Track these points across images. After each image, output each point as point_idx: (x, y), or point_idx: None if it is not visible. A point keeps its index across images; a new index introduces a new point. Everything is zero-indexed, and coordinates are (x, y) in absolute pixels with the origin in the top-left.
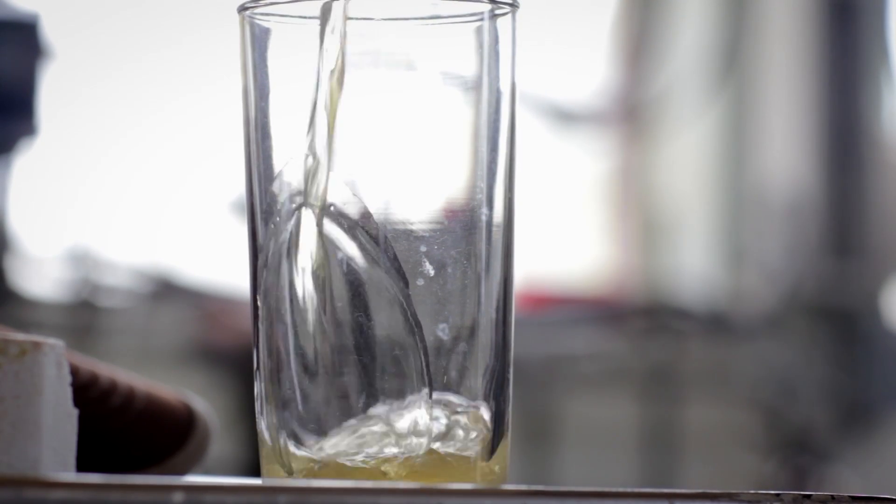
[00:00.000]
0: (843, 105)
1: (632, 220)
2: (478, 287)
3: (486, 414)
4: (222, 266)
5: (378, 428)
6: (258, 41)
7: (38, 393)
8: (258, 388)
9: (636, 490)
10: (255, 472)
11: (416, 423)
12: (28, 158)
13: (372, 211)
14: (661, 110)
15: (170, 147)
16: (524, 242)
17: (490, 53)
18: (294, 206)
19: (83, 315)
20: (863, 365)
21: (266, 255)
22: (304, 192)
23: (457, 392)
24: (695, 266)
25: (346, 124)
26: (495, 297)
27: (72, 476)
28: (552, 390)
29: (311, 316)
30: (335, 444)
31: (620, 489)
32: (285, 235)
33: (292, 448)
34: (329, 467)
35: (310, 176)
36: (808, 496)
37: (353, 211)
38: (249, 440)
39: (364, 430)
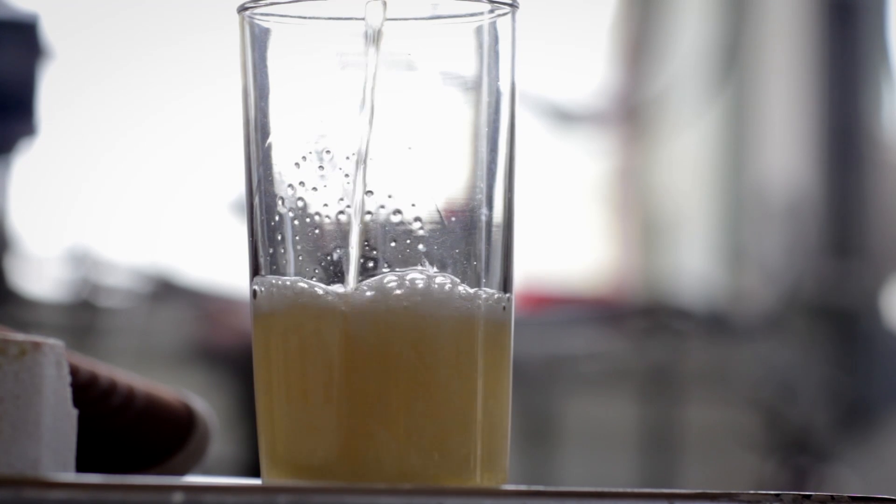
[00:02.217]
0: (843, 105)
1: (632, 220)
2: (478, 287)
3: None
4: (222, 266)
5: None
6: (258, 41)
7: (38, 393)
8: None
9: (636, 490)
10: (255, 472)
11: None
12: (28, 158)
13: (372, 210)
14: (661, 110)
15: (169, 147)
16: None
17: (490, 53)
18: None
19: (83, 315)
20: (863, 365)
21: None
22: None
23: None
24: (695, 266)
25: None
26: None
27: (72, 476)
28: (552, 390)
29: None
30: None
31: (620, 489)
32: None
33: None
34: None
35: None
36: (808, 496)
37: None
38: (249, 440)
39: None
